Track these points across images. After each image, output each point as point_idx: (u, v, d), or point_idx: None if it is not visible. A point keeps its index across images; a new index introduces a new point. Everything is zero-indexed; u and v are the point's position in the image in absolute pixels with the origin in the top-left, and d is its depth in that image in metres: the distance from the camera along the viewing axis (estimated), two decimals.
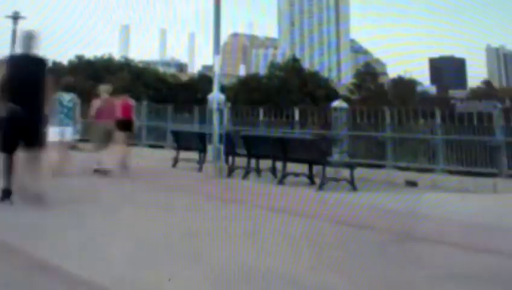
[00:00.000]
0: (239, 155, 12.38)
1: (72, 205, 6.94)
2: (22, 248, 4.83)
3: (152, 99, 25.78)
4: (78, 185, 8.91)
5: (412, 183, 11.25)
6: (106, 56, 46.00)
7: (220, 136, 12.50)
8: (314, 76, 48.73)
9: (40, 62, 6.90)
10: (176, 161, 13.74)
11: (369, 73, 51.07)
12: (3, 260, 4.48)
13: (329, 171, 10.44)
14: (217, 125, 12.63)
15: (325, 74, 72.39)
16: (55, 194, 7.00)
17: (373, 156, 13.60)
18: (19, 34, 9.49)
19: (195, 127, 17.12)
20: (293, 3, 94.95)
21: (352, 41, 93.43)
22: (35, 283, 4.01)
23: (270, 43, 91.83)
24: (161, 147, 18.18)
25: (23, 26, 22.75)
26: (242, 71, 78.92)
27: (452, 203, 8.92)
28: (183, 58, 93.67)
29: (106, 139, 10.52)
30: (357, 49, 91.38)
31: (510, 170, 11.74)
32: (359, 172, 10.64)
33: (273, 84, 43.31)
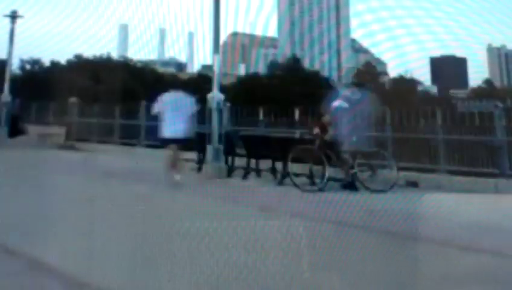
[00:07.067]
0: (239, 155, 12.30)
1: None
2: None
3: (151, 99, 25.66)
4: None
5: (412, 184, 11.17)
6: (105, 55, 45.97)
7: (220, 136, 12.44)
8: (315, 76, 48.66)
9: None
10: None
11: (369, 72, 50.99)
12: None
13: (330, 171, 10.38)
14: (216, 125, 12.57)
15: (325, 73, 72.32)
16: None
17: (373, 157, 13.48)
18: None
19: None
20: (293, 3, 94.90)
21: (353, 40, 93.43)
22: None
23: (270, 42, 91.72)
24: (160, 147, 18.04)
25: (21, 25, 22.65)
26: (242, 71, 78.83)
27: (453, 203, 8.85)
28: (182, 58, 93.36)
29: None
30: (358, 49, 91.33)
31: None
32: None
33: (273, 84, 43.26)
